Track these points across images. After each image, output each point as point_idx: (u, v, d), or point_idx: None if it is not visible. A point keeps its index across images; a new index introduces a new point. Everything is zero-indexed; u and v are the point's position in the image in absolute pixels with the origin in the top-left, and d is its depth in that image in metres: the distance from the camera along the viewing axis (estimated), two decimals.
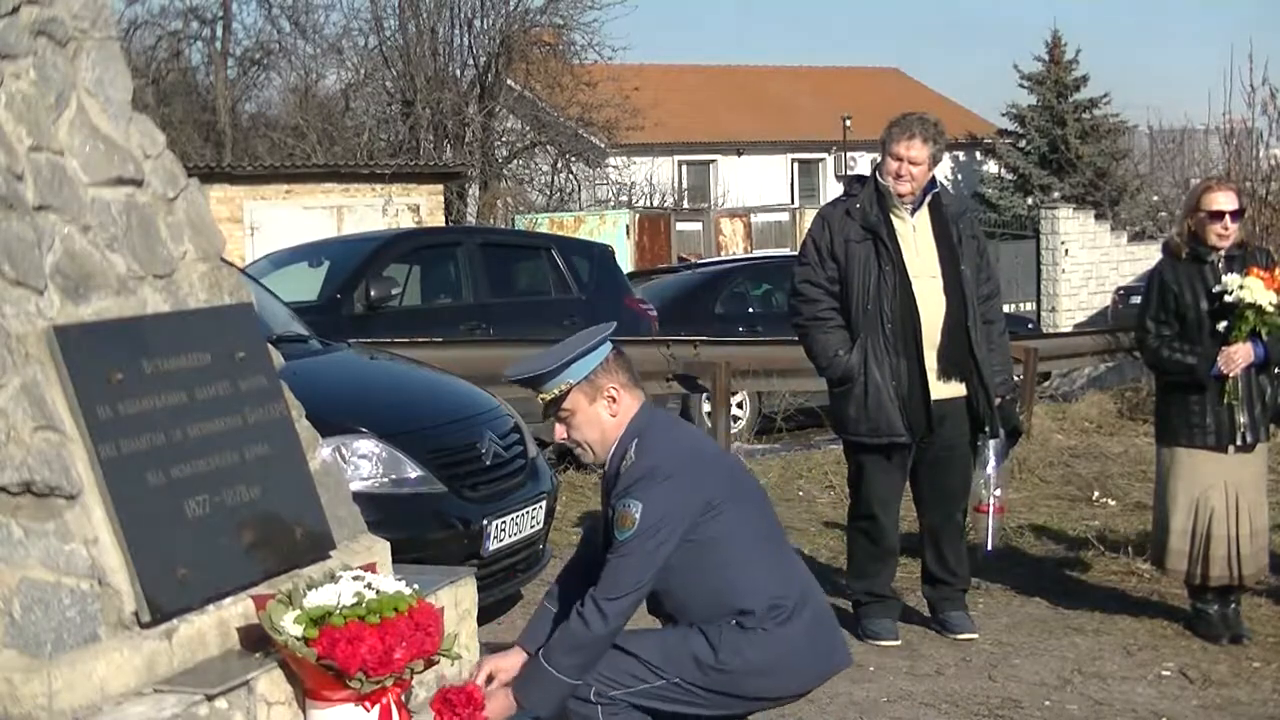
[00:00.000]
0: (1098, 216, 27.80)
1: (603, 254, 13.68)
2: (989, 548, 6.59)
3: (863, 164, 36.22)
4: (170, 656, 3.57)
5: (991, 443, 6.30)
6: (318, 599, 3.63)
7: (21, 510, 3.35)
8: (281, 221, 20.27)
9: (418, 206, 22.34)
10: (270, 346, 4.38)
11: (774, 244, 30.26)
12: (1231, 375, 6.07)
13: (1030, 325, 20.12)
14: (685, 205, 35.91)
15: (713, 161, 43.17)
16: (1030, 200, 37.55)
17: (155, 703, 3.41)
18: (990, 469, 6.33)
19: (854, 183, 6.42)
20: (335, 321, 10.19)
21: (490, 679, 4.03)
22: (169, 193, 4.17)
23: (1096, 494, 9.63)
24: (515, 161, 32.57)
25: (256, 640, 3.71)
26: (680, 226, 27.98)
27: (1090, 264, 25.71)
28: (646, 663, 3.95)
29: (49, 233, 3.67)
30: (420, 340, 9.84)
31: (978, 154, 43.78)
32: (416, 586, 3.83)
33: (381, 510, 5.52)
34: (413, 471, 6.07)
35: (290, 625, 3.58)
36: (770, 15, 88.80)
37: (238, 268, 6.31)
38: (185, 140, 28.62)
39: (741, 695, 3.99)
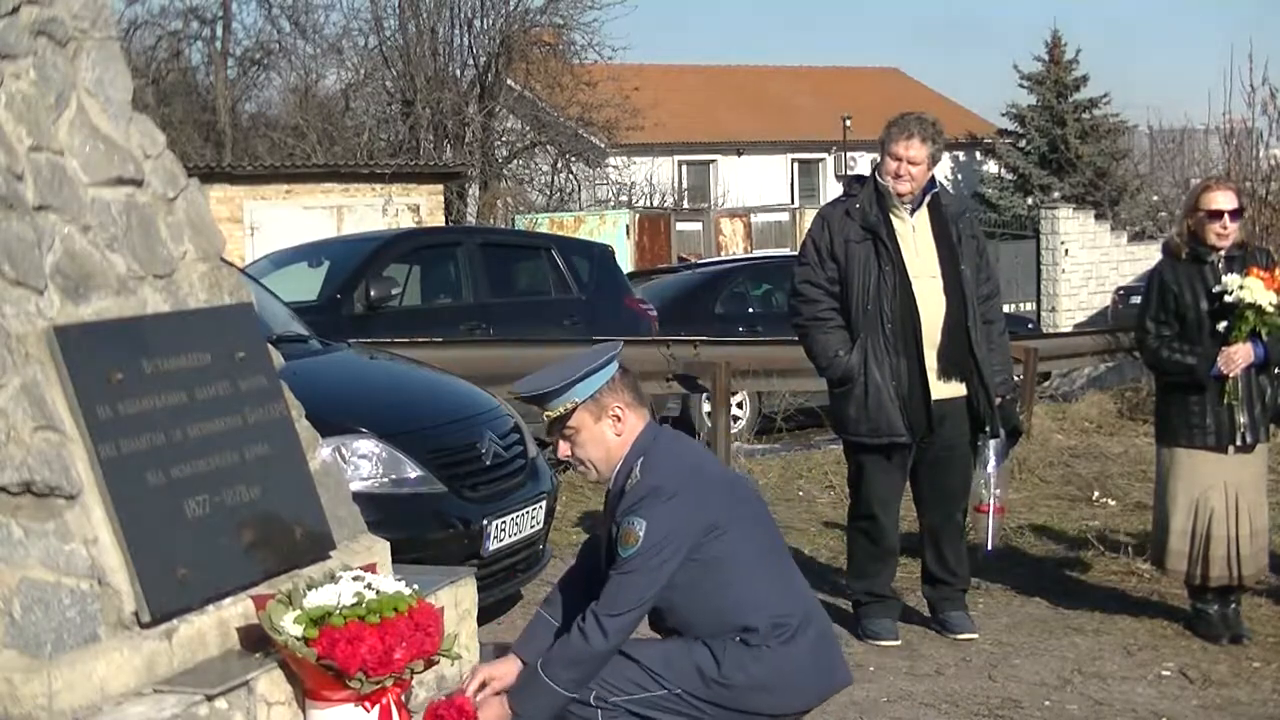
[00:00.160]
0: (1098, 216, 27.81)
1: (603, 254, 13.68)
2: (989, 548, 6.59)
3: (863, 164, 36.20)
4: (170, 656, 3.57)
5: (992, 443, 6.30)
6: (318, 599, 3.63)
7: (21, 510, 3.35)
8: (281, 221, 20.28)
9: (418, 206, 22.35)
10: (270, 346, 4.38)
11: (774, 244, 30.26)
12: (1231, 375, 6.07)
13: (1030, 325, 20.12)
14: (685, 205, 35.92)
15: (713, 161, 43.18)
16: (1030, 200, 37.55)
17: (155, 703, 3.41)
18: (990, 469, 6.33)
19: (853, 183, 6.42)
20: (335, 321, 10.19)
21: (484, 686, 4.03)
22: (169, 193, 4.16)
23: (1096, 494, 9.63)
24: (515, 161, 32.58)
25: (256, 640, 3.71)
26: (680, 226, 27.99)
27: (1090, 264, 25.73)
28: (650, 670, 3.96)
29: (49, 233, 3.67)
30: (420, 340, 9.83)
31: (978, 154, 43.79)
32: (416, 586, 3.83)
33: (381, 510, 5.52)
34: (413, 471, 6.07)
35: (290, 625, 3.57)
36: (770, 15, 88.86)
37: (238, 268, 6.32)
38: (185, 140, 28.63)
39: (742, 710, 3.98)
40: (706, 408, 12.22)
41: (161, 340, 3.86)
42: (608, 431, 4.04)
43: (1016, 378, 9.26)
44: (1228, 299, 6.03)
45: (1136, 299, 12.33)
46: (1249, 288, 5.98)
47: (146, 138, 4.14)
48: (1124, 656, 6.10)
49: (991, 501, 6.38)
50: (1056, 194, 36.98)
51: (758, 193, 39.51)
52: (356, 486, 5.37)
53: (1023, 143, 40.99)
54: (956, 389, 6.22)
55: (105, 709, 3.34)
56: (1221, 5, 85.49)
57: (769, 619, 3.97)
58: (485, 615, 5.24)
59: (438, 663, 3.81)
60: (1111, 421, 12.93)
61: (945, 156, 6.60)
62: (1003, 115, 41.89)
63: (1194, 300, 6.14)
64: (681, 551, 3.92)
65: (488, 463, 6.38)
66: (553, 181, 32.63)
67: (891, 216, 6.20)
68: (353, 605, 3.61)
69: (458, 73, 31.80)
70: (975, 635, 6.33)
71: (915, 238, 6.22)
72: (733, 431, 11.74)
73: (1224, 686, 5.73)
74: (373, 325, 10.69)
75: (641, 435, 4.07)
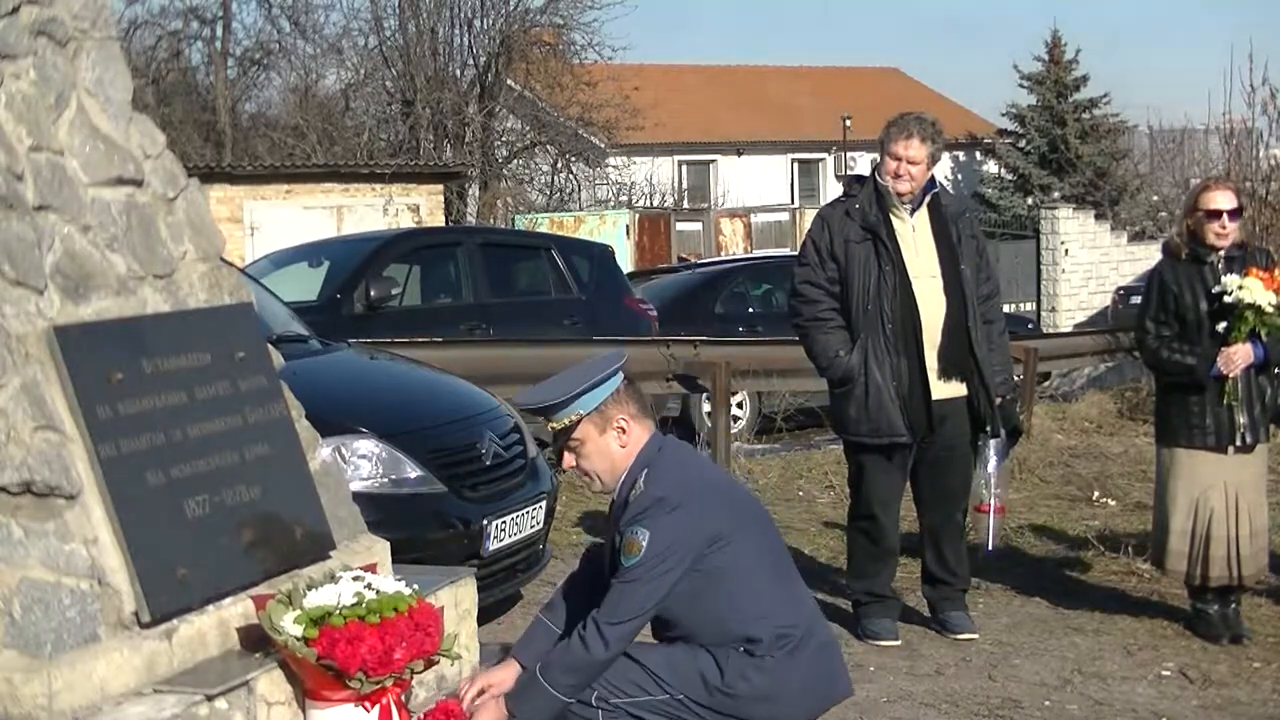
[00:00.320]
0: (1098, 216, 27.82)
1: (603, 254, 13.68)
2: (989, 548, 6.59)
3: (863, 164, 36.20)
4: (170, 656, 3.58)
5: (992, 443, 6.30)
6: (318, 599, 3.63)
7: (21, 510, 3.35)
8: (281, 221, 20.28)
9: (418, 206, 22.35)
10: (270, 346, 4.38)
11: (774, 244, 30.27)
12: (1231, 376, 6.07)
13: (1030, 325, 20.12)
14: (685, 205, 35.91)
15: (713, 161, 43.18)
16: (1030, 200, 37.56)
17: (155, 703, 3.41)
18: (991, 469, 6.33)
19: (853, 183, 6.42)
20: (335, 321, 10.18)
21: (482, 693, 4.03)
22: (169, 193, 4.17)
23: (1096, 494, 9.63)
24: (515, 161, 32.59)
25: (256, 640, 3.71)
26: (680, 226, 28.00)
27: (1090, 264, 25.74)
28: (653, 674, 3.96)
29: (49, 233, 3.67)
30: (420, 340, 9.83)
31: (978, 154, 43.79)
32: (416, 586, 3.84)
33: (381, 510, 5.52)
34: (413, 471, 6.07)
35: (290, 625, 3.58)
36: (770, 15, 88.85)
37: (238, 268, 6.32)
38: (185, 140, 28.63)
39: (741, 719, 4.00)
40: (706, 408, 12.21)
41: (161, 340, 3.86)
42: (612, 443, 4.05)
43: (1016, 378, 9.25)
44: (1227, 299, 6.03)
45: (1136, 299, 12.34)
46: (1249, 288, 5.98)
47: (146, 138, 4.14)
48: (1124, 656, 6.10)
49: (992, 501, 6.38)
50: (1056, 194, 36.98)
51: (758, 193, 39.52)
52: (356, 486, 5.37)
53: (1023, 143, 41.00)
54: (957, 389, 6.22)
55: (105, 709, 3.34)
56: (1221, 5, 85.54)
57: (772, 630, 3.98)
58: (485, 615, 5.24)
59: (438, 663, 3.82)
60: (1111, 421, 12.93)
61: (945, 156, 6.61)
62: (1003, 115, 41.94)
63: (1194, 301, 6.14)
64: (684, 562, 3.92)
65: (488, 463, 6.38)
66: (553, 181, 32.63)
67: (891, 216, 6.20)
68: (353, 605, 3.62)
69: (458, 73, 31.81)
70: (975, 635, 6.33)
71: (915, 238, 6.22)
72: (733, 431, 11.73)
73: (1224, 686, 5.73)
74: (373, 325, 10.69)
75: (646, 446, 4.07)
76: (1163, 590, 6.94)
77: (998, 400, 6.31)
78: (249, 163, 25.31)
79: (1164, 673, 5.89)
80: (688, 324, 13.19)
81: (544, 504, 6.62)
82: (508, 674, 4.06)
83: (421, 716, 3.87)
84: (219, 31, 33.63)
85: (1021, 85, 41.27)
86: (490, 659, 4.50)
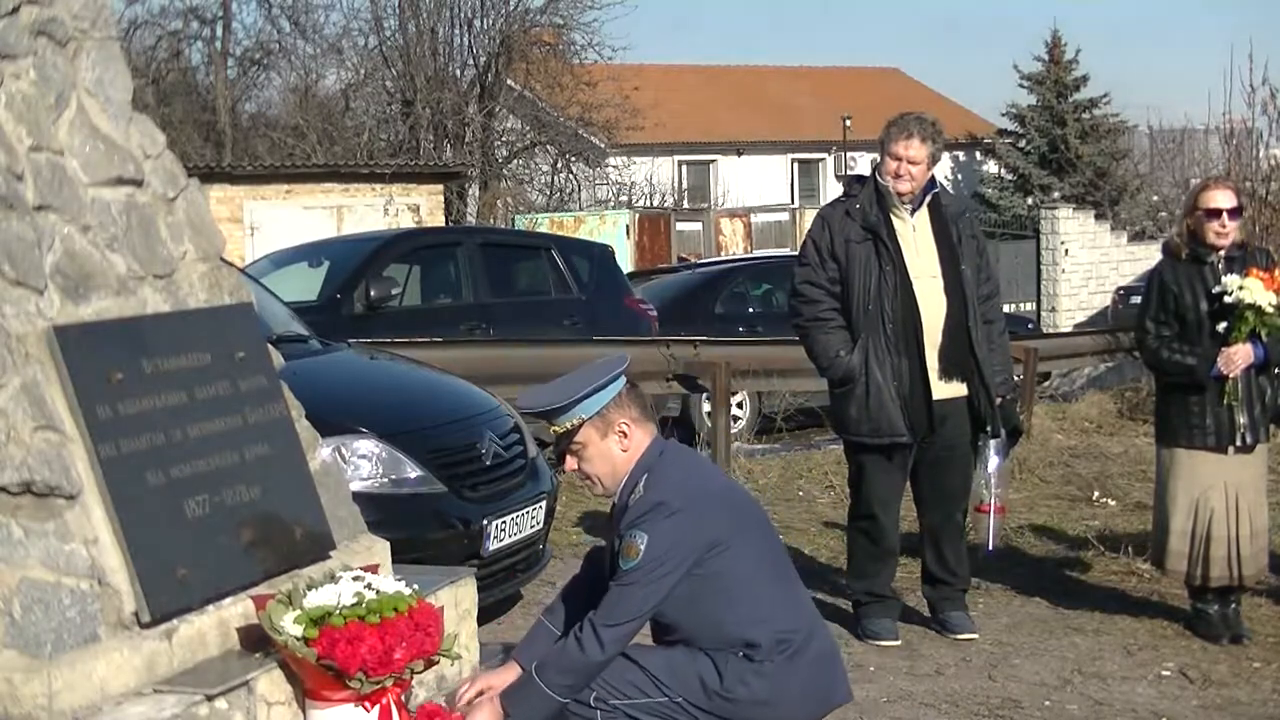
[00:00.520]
0: (1098, 216, 27.84)
1: (603, 254, 13.68)
2: (989, 548, 6.59)
3: (863, 164, 36.21)
4: (170, 656, 3.57)
5: (992, 442, 6.30)
6: (318, 599, 3.63)
7: (21, 510, 3.35)
8: (281, 221, 20.28)
9: (418, 206, 22.35)
10: (270, 346, 4.38)
11: (774, 244, 30.28)
12: (1231, 376, 6.07)
13: (1030, 325, 20.13)
14: (685, 205, 35.91)
15: (713, 161, 43.18)
16: (1030, 200, 37.55)
17: (155, 703, 3.41)
18: (991, 469, 6.33)
19: (854, 183, 6.42)
20: (335, 321, 10.18)
21: (481, 695, 4.03)
22: (169, 193, 4.17)
23: (1096, 494, 9.63)
24: (515, 161, 32.58)
25: (256, 640, 3.71)
26: (680, 226, 27.99)
27: (1090, 264, 25.75)
28: (653, 677, 3.97)
29: (49, 233, 3.67)
30: (420, 340, 9.83)
31: (978, 154, 43.79)
32: (416, 586, 3.84)
33: (381, 510, 5.52)
34: (413, 471, 6.07)
35: (290, 625, 3.58)
36: (771, 15, 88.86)
37: (238, 268, 6.32)
38: (185, 140, 28.63)
39: None
40: (706, 408, 12.21)
41: (161, 340, 3.86)
42: (614, 447, 4.05)
43: (1016, 378, 9.26)
44: (1227, 300, 6.03)
45: (1136, 299, 12.33)
46: (1249, 288, 5.98)
47: (146, 138, 4.14)
48: (1124, 656, 6.10)
49: (992, 501, 6.38)
50: (1056, 194, 36.99)
51: (758, 193, 39.51)
52: (356, 486, 5.37)
53: (1023, 143, 40.99)
54: (957, 389, 6.22)
55: (105, 709, 3.34)
56: (1221, 5, 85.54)
57: (772, 635, 3.98)
58: (485, 615, 5.24)
59: (438, 663, 3.82)
60: (1111, 421, 12.93)
61: (945, 156, 6.61)
62: (1003, 115, 41.94)
63: (1194, 301, 6.14)
64: (682, 567, 3.93)
65: (488, 463, 6.38)
66: (553, 181, 32.63)
67: (892, 216, 6.20)
68: (353, 605, 3.62)
69: (458, 73, 31.81)
70: (975, 635, 6.33)
71: (916, 238, 6.21)
72: (733, 431, 11.73)
73: (1224, 686, 5.73)
74: (373, 325, 10.69)
75: (648, 450, 4.07)
76: (1163, 590, 6.94)
77: (998, 400, 6.31)
78: (249, 163, 25.31)
79: (1164, 673, 5.89)
80: (688, 324, 13.20)
81: (544, 504, 6.62)
82: (508, 678, 4.06)
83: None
84: (219, 31, 33.66)
85: (1021, 85, 41.30)
86: (490, 659, 4.50)
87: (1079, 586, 7.28)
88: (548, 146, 32.64)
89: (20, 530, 3.33)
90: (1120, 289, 24.93)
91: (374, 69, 32.11)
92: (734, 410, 12.69)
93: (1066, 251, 25.47)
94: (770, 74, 47.20)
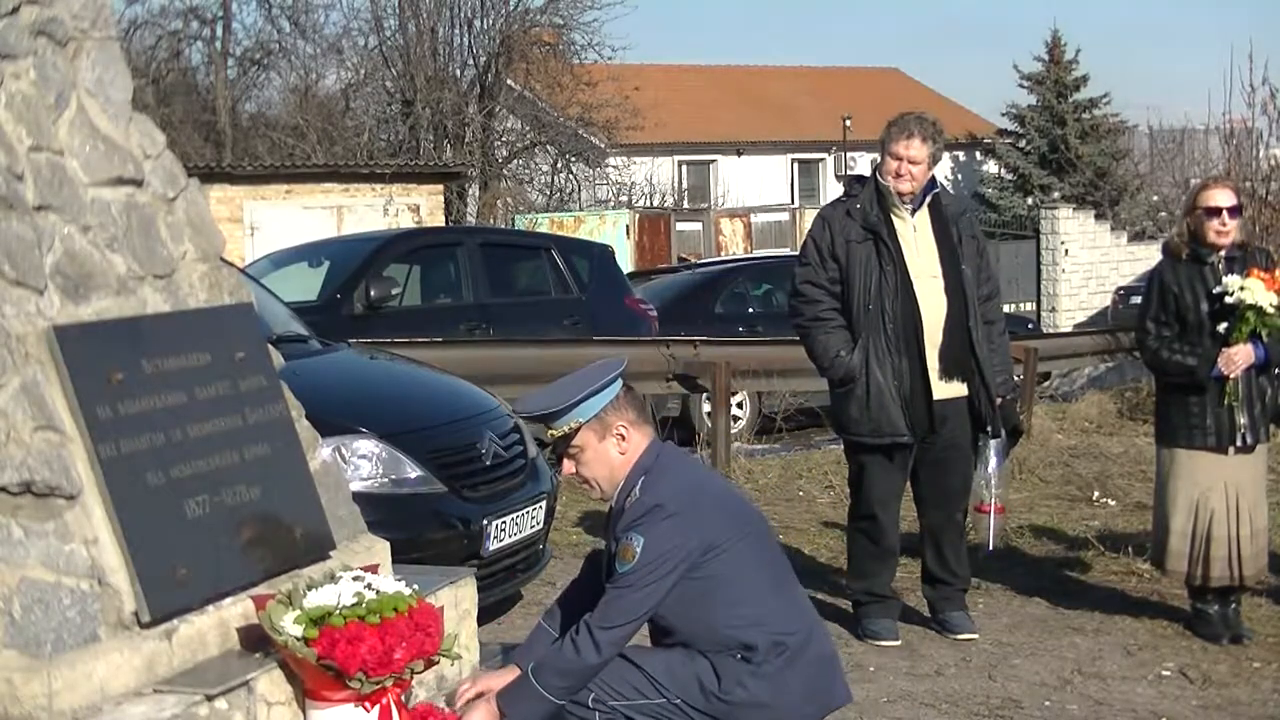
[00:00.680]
0: (1098, 216, 27.85)
1: (603, 254, 13.68)
2: (989, 548, 6.59)
3: (863, 164, 36.22)
4: (170, 657, 3.57)
5: (993, 442, 6.30)
6: (318, 599, 3.63)
7: (21, 510, 3.35)
8: (281, 221, 20.28)
9: (418, 206, 22.35)
10: (270, 346, 4.38)
11: (774, 244, 30.26)
12: (1231, 376, 6.07)
13: (1030, 325, 20.13)
14: (685, 205, 35.91)
15: (713, 161, 43.16)
16: (1030, 200, 37.55)
17: (155, 703, 3.41)
18: (991, 469, 6.33)
19: (854, 183, 6.42)
20: (335, 321, 10.19)
21: (479, 697, 4.03)
22: (169, 193, 4.16)
23: (1096, 494, 9.63)
24: (515, 161, 32.59)
25: (256, 640, 3.71)
26: (680, 226, 27.99)
27: (1090, 264, 25.76)
28: (651, 678, 3.97)
29: (49, 233, 3.67)
30: (420, 340, 9.83)
31: (978, 154, 43.77)
32: (416, 586, 3.83)
33: (381, 510, 5.52)
34: (413, 471, 6.07)
35: (290, 625, 3.57)
36: (770, 15, 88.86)
37: (238, 268, 6.32)
38: (185, 140, 28.64)
39: None
40: (706, 408, 12.22)
41: (161, 340, 3.86)
42: (612, 450, 4.05)
43: (1016, 378, 9.25)
44: (1228, 300, 6.03)
45: (1136, 299, 12.35)
46: (1249, 289, 5.98)
47: (146, 138, 4.13)
48: (1124, 656, 6.10)
49: (992, 501, 6.38)
50: (1056, 194, 36.98)
51: (758, 193, 39.51)
52: (356, 486, 5.37)
53: (1023, 143, 40.99)
54: (958, 389, 6.22)
55: (105, 709, 3.34)
56: (1221, 5, 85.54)
57: (769, 637, 3.98)
58: (485, 615, 5.24)
59: (438, 663, 3.81)
60: (1111, 421, 12.92)
61: (945, 156, 6.61)
62: (1003, 115, 41.93)
63: (1194, 301, 6.14)
64: (679, 569, 3.92)
65: (488, 463, 6.38)
66: (553, 181, 32.63)
67: (892, 216, 6.20)
68: (353, 605, 3.61)
69: (458, 73, 31.82)
70: (975, 635, 6.33)
71: (916, 238, 6.22)
72: (733, 431, 11.73)
73: (1224, 686, 5.73)
74: (373, 325, 10.69)
75: (645, 454, 4.07)
76: (1163, 590, 6.94)
77: (998, 400, 6.31)
78: (249, 163, 25.29)
79: (1164, 673, 5.89)
80: (688, 324, 13.20)
81: (544, 504, 6.62)
82: (507, 678, 4.06)
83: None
84: (219, 31, 33.68)
85: (1021, 85, 41.29)
86: (490, 659, 4.50)
87: (1079, 586, 7.28)
88: (548, 146, 32.64)
89: (20, 530, 3.33)
90: (1120, 289, 24.94)
91: (374, 69, 32.12)
92: (734, 410, 12.69)
93: (1066, 251, 25.48)
94: (770, 74, 47.20)
